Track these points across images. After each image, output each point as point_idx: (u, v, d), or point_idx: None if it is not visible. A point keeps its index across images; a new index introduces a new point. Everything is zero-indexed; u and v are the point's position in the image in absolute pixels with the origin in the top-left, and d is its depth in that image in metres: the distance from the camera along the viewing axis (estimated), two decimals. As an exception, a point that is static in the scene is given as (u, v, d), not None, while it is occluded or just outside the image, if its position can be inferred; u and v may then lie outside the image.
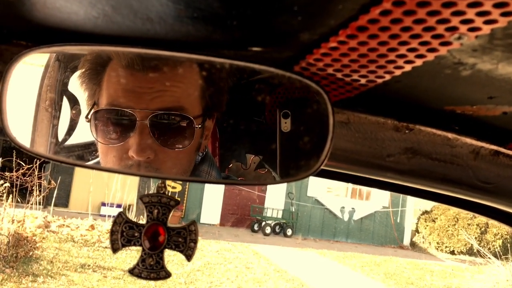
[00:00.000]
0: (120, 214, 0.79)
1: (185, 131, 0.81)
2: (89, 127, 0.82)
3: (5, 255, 9.36)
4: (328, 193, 22.57)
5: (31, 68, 0.79)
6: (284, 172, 0.87)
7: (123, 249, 0.78)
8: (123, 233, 0.78)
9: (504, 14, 0.51)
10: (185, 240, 0.79)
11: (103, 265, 10.67)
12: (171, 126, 0.80)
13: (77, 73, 0.84)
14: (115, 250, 0.78)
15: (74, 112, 0.89)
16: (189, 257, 0.79)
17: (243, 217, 21.22)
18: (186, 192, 19.31)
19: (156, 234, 0.78)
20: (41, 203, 13.00)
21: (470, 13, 0.51)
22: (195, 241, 0.79)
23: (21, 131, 0.79)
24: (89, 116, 0.82)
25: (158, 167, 0.81)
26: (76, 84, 0.85)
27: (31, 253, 10.05)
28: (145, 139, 0.78)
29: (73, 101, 0.89)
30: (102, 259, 11.12)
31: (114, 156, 0.81)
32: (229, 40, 0.69)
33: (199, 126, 0.82)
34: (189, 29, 0.66)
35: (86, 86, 0.84)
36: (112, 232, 0.78)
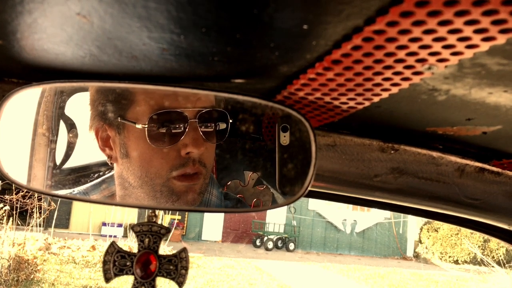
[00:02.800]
0: (112, 244, 0.80)
1: (222, 126, 0.88)
2: (144, 134, 0.85)
3: (6, 279, 9.31)
4: (329, 206, 22.50)
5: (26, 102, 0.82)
6: (273, 197, 0.89)
7: (115, 278, 0.79)
8: (115, 262, 0.79)
9: (468, 47, 0.53)
10: (176, 268, 0.80)
11: (105, 286, 10.58)
12: (213, 122, 0.87)
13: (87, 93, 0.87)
14: (107, 279, 0.79)
15: (71, 135, 0.92)
16: (180, 284, 0.80)
17: (244, 233, 21.13)
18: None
19: (147, 262, 0.79)
20: (42, 225, 12.94)
21: (436, 47, 0.54)
22: (186, 268, 0.81)
23: (17, 168, 0.82)
24: (146, 123, 0.84)
25: (204, 161, 0.88)
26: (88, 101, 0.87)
27: (32, 276, 9.98)
28: (198, 134, 0.85)
29: (70, 125, 0.91)
30: (103, 280, 11.03)
31: (163, 159, 0.86)
32: (212, 73, 0.72)
33: (231, 121, 0.88)
34: (173, 65, 0.68)
35: (112, 100, 0.86)
36: (105, 262, 0.80)
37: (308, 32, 0.55)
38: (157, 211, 0.84)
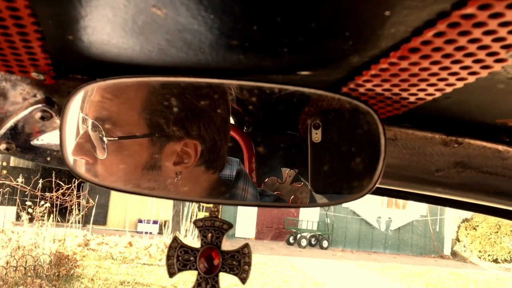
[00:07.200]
0: (175, 238, 0.80)
1: (101, 141, 0.82)
2: None
3: (47, 274, 9.60)
4: (363, 203, 22.21)
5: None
6: (335, 193, 0.87)
7: (179, 273, 0.79)
8: (178, 257, 0.79)
9: None
10: (239, 263, 0.80)
11: (142, 282, 10.78)
12: (96, 134, 0.82)
13: None
14: (171, 274, 0.79)
15: None
16: (243, 280, 0.80)
17: (278, 230, 21.12)
18: (220, 207, 19.36)
19: (210, 258, 0.79)
20: (80, 222, 13.29)
21: (528, 31, 0.51)
22: (249, 264, 0.80)
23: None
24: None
25: (95, 172, 0.84)
26: None
27: (72, 271, 10.27)
28: (82, 141, 0.83)
29: None
30: (140, 276, 11.25)
31: None
32: (278, 65, 0.71)
33: (114, 139, 0.81)
34: (240, 57, 0.67)
35: None
36: (168, 257, 0.79)
37: (388, 18, 0.52)
38: (218, 206, 0.84)
